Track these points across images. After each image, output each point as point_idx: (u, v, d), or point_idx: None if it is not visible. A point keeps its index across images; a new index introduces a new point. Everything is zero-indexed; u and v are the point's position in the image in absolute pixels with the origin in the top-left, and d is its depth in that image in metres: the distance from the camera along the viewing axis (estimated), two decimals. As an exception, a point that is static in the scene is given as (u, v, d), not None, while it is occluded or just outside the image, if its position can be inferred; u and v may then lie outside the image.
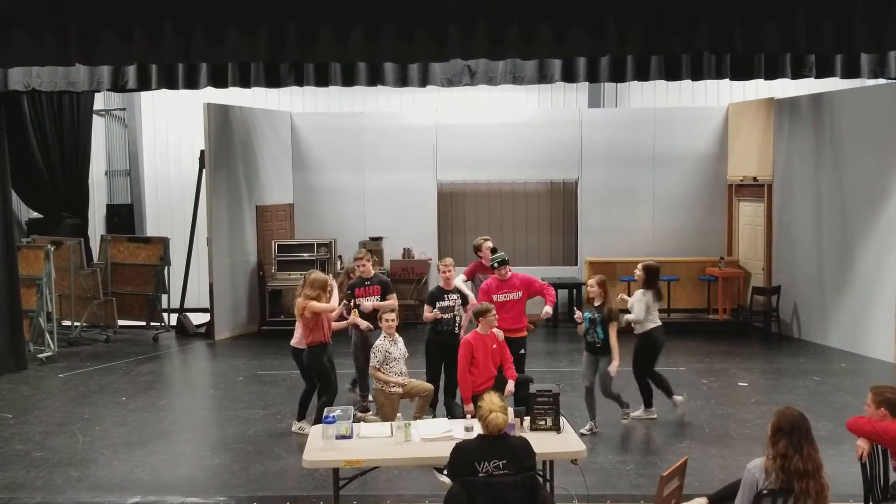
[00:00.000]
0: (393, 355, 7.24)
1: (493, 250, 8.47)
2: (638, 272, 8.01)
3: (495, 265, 7.92)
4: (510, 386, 7.07)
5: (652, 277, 7.91)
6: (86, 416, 8.40)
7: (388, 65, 8.38)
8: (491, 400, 4.67)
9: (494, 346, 7.14)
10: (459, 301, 7.95)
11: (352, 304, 8.07)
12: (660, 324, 7.94)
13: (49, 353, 10.79)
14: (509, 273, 7.93)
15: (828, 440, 6.98)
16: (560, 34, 7.47)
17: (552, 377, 9.10)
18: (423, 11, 7.45)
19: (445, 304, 7.87)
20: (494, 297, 7.76)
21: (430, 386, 7.49)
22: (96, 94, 13.12)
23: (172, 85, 8.53)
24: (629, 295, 8.14)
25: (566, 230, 13.91)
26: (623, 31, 7.45)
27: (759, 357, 10.97)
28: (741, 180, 13.02)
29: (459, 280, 8.33)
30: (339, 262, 12.85)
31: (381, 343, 7.28)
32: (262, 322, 12.63)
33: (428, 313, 7.90)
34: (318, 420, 6.72)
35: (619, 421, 7.93)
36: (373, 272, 8.38)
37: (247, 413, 8.47)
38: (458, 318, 7.89)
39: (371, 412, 7.93)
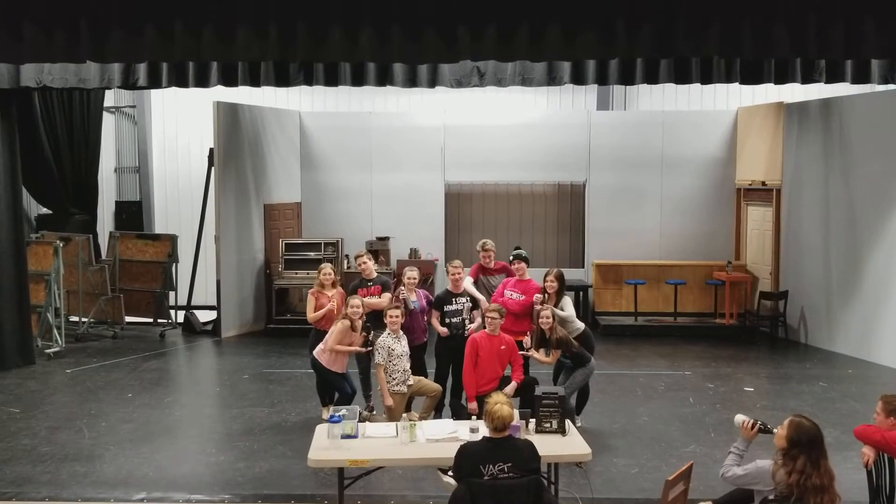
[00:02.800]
0: (396, 352, 7.19)
1: (517, 247, 8.97)
2: (553, 283, 7.69)
3: (511, 258, 8.30)
4: (509, 388, 7.07)
5: (564, 284, 7.86)
6: (92, 412, 8.43)
7: (398, 65, 8.39)
8: (497, 395, 4.79)
9: (503, 346, 7.14)
10: (469, 304, 7.89)
11: (370, 337, 7.61)
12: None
13: (56, 349, 10.84)
14: (526, 273, 8.05)
15: (834, 447, 6.92)
16: (569, 36, 7.46)
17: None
18: (432, 12, 7.46)
19: (453, 307, 7.81)
20: (506, 293, 7.93)
21: (438, 386, 7.50)
22: (107, 92, 13.20)
23: (183, 83, 8.55)
24: (541, 304, 7.66)
25: (573, 232, 13.90)
26: (633, 34, 7.44)
27: (765, 362, 10.93)
28: (750, 184, 12.98)
29: (468, 282, 8.20)
30: (345, 262, 12.88)
31: (384, 340, 7.23)
32: (269, 320, 12.66)
33: (434, 319, 7.86)
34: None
35: (623, 424, 7.94)
36: (375, 273, 8.34)
37: (252, 411, 8.49)
38: (466, 321, 7.83)
39: (376, 412, 7.94)
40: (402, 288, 8.08)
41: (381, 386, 7.19)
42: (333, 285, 8.23)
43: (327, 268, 8.25)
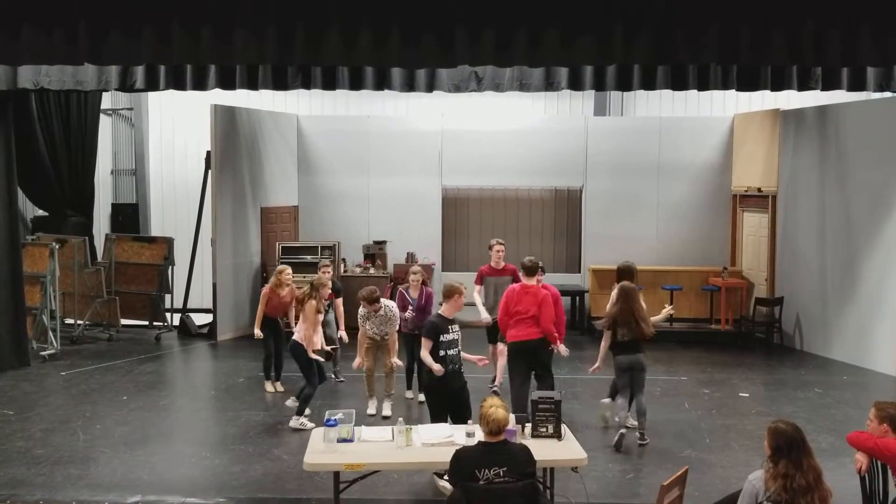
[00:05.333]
0: (370, 318, 8.21)
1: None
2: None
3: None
4: (563, 349, 7.74)
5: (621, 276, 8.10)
6: (87, 415, 8.42)
7: (396, 69, 8.42)
8: (492, 399, 4.79)
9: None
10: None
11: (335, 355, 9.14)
12: None
13: (52, 351, 10.82)
14: (541, 282, 7.97)
15: (828, 452, 6.98)
16: (567, 42, 7.48)
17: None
18: (430, 17, 7.48)
19: (450, 337, 6.54)
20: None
21: (391, 364, 8.16)
22: (104, 94, 13.19)
23: (180, 86, 8.57)
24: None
25: (570, 237, 13.92)
26: (630, 40, 7.46)
27: (760, 368, 10.95)
28: (746, 191, 13.02)
29: (475, 295, 8.94)
30: (342, 266, 12.88)
31: (362, 312, 8.21)
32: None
33: (425, 352, 6.50)
34: (300, 411, 8.06)
35: (619, 429, 7.97)
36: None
37: (248, 414, 8.48)
38: (462, 353, 6.66)
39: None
40: (401, 288, 8.93)
41: (360, 346, 8.25)
42: (288, 285, 9.21)
43: (288, 269, 9.28)
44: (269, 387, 9.39)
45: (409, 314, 8.61)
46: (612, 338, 7.59)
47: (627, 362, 7.49)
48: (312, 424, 7.56)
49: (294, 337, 8.11)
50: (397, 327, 8.33)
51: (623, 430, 7.44)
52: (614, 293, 7.80)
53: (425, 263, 13.15)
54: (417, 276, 8.79)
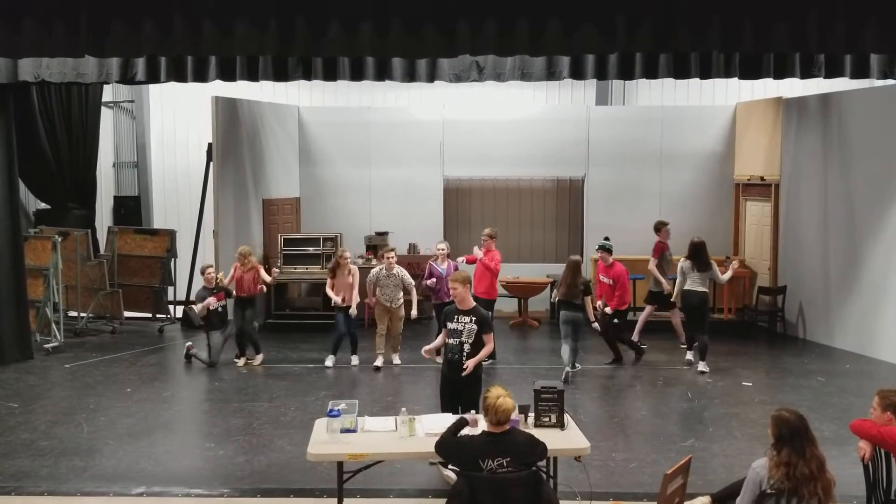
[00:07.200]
0: (382, 283, 9.85)
1: (605, 238, 10.28)
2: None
3: (597, 247, 10.08)
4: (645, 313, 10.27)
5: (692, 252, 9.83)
6: (91, 407, 8.44)
7: (397, 60, 8.40)
8: (497, 389, 4.77)
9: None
10: (473, 326, 6.40)
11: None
12: (692, 289, 9.76)
13: (55, 344, 10.84)
14: (610, 260, 9.93)
15: (832, 441, 6.98)
16: (569, 31, 7.47)
17: (556, 374, 9.12)
18: (432, 7, 7.46)
19: (453, 326, 6.48)
20: (601, 278, 10.03)
21: (399, 329, 10.01)
22: (105, 86, 13.17)
23: (181, 78, 8.55)
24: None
25: (572, 227, 13.91)
26: (633, 29, 7.45)
27: (763, 357, 10.96)
28: (748, 179, 12.99)
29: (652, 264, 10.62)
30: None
31: (375, 271, 9.94)
32: (268, 315, 12.65)
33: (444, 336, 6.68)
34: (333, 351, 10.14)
35: (622, 418, 7.97)
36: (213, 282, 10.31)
37: (251, 405, 8.50)
38: (466, 346, 6.41)
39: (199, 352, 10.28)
40: (430, 261, 10.44)
41: (369, 295, 9.94)
42: (249, 261, 10.35)
43: (246, 249, 10.48)
44: (240, 361, 10.33)
45: (431, 282, 10.14)
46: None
47: (570, 317, 9.39)
48: (330, 363, 10.01)
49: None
50: (401, 297, 9.92)
51: (568, 370, 9.23)
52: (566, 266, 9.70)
53: (428, 254, 13.15)
54: (444, 249, 10.23)
